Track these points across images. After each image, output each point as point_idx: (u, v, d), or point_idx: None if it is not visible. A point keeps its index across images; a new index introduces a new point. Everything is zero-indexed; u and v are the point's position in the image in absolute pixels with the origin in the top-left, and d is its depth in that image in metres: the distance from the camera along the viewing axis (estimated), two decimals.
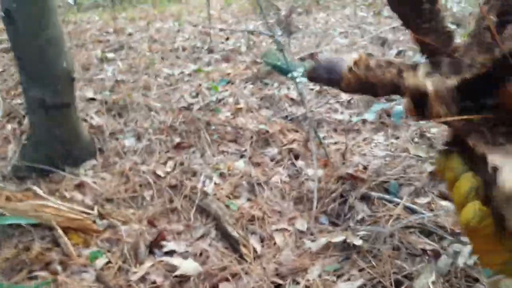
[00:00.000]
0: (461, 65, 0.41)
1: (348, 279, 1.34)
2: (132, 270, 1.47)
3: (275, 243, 1.60)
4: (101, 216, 1.73)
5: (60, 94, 1.88)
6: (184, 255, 1.52)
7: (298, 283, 1.37)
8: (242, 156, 2.19)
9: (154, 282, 1.41)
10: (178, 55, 3.55)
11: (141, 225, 1.67)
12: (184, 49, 3.75)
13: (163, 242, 1.57)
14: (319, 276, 1.37)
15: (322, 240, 1.53)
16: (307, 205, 1.82)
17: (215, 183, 1.93)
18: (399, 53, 3.42)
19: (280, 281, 1.39)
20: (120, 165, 2.02)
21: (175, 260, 1.47)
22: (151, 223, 1.69)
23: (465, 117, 0.39)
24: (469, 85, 0.39)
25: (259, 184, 1.96)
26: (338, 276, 1.37)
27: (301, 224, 1.68)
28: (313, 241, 1.57)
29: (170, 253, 1.54)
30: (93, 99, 2.54)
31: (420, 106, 0.39)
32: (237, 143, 2.31)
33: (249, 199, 1.87)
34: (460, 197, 0.37)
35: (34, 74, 1.87)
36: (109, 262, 1.52)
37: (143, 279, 1.43)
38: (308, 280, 1.36)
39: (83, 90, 2.64)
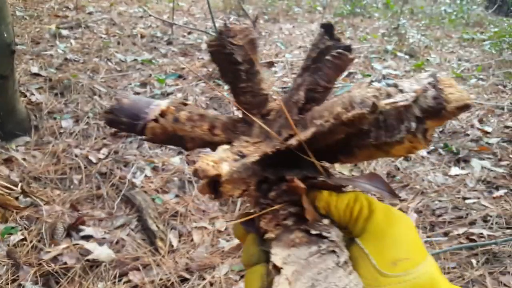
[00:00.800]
0: (271, 128, 0.42)
1: None
2: (46, 250, 1.50)
3: (192, 240, 1.67)
4: (24, 193, 1.73)
5: None
6: (101, 242, 1.56)
7: (204, 278, 1.45)
8: (179, 153, 2.24)
9: (65, 263, 1.44)
10: (135, 42, 3.54)
11: (64, 207, 1.70)
12: (142, 36, 3.74)
13: (82, 227, 1.61)
14: (225, 274, 1.46)
15: (236, 241, 1.62)
16: (231, 207, 1.91)
17: (146, 176, 1.97)
18: (349, 75, 3.59)
19: (188, 276, 1.46)
20: (53, 145, 2.02)
21: (89, 245, 1.51)
22: (74, 206, 1.72)
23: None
24: (272, 156, 0.40)
25: (190, 182, 2.03)
26: (242, 276, 1.47)
27: (220, 224, 1.77)
28: (228, 241, 1.66)
29: (87, 237, 1.57)
30: (37, 74, 2.51)
31: (215, 185, 0.37)
32: None
33: (177, 196, 1.93)
34: None
35: None
36: (24, 239, 1.53)
37: (55, 259, 1.46)
38: (213, 277, 1.45)
39: (28, 64, 2.60)
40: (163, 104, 0.44)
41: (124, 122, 0.44)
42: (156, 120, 0.43)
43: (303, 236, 0.36)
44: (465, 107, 0.33)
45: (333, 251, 0.35)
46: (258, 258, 0.39)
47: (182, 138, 0.44)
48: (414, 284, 0.34)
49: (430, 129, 0.35)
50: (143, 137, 0.44)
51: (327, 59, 0.42)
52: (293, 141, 0.38)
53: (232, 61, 0.42)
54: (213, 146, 0.43)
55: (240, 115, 0.46)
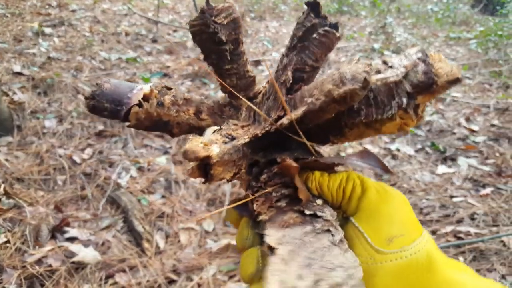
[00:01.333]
0: (259, 113, 0.41)
1: (239, 280, 1.43)
2: (30, 252, 1.46)
3: (179, 241, 1.65)
4: (7, 195, 1.69)
5: None
6: (86, 243, 1.53)
7: (191, 280, 1.43)
8: (165, 153, 2.21)
9: (50, 266, 1.41)
10: (119, 40, 3.49)
11: (48, 209, 1.66)
12: (127, 34, 3.69)
13: (67, 228, 1.57)
14: (213, 275, 1.45)
15: (224, 242, 1.61)
16: (219, 207, 1.89)
17: (131, 176, 1.94)
18: None
19: (175, 277, 1.44)
20: (37, 145, 1.98)
21: (75, 247, 1.48)
22: (58, 208, 1.68)
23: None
24: (262, 138, 0.39)
25: (176, 182, 2.00)
26: (230, 277, 1.45)
27: (208, 225, 1.75)
28: (215, 241, 1.64)
29: (72, 239, 1.54)
30: (20, 73, 2.45)
31: (205, 168, 0.36)
32: (163, 138, 2.34)
33: (163, 196, 1.91)
34: (245, 276, 0.37)
35: None
36: (7, 242, 1.49)
37: (39, 262, 1.43)
38: (201, 278, 1.43)
39: (10, 62, 2.54)
40: (146, 88, 0.42)
41: (107, 108, 0.41)
42: (139, 105, 0.41)
43: (297, 217, 0.36)
44: (456, 81, 0.33)
45: (328, 230, 0.35)
46: (252, 241, 0.39)
47: (167, 124, 0.42)
48: (411, 260, 0.34)
49: (422, 104, 0.35)
50: (127, 123, 0.42)
51: (314, 37, 0.41)
52: (284, 121, 0.37)
53: (216, 41, 0.40)
54: (200, 131, 0.42)
55: (226, 99, 0.44)
